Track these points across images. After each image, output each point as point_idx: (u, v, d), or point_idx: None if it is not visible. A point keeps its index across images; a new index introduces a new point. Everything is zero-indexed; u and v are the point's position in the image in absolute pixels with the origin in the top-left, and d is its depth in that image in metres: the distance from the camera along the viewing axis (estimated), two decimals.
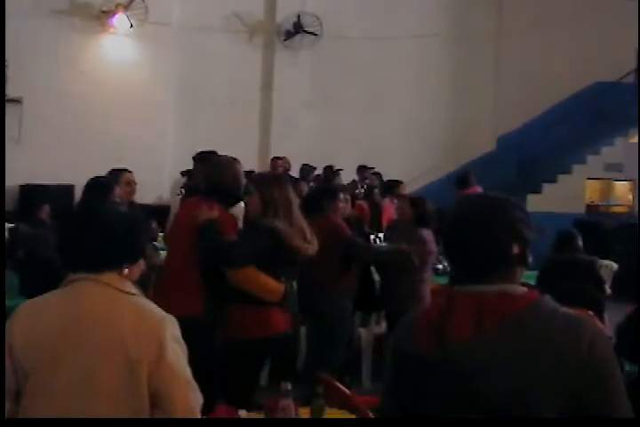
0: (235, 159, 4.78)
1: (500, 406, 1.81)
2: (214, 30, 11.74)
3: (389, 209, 9.91)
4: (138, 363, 2.41)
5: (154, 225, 6.61)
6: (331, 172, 10.23)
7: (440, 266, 7.64)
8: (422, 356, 1.90)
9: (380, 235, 8.71)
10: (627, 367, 4.08)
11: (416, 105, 12.99)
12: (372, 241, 8.58)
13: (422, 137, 13.01)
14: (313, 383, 3.25)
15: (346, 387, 3.59)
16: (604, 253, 7.83)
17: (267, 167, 10.44)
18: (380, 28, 12.53)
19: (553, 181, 12.25)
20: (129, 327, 2.44)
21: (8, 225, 8.78)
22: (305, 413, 3.11)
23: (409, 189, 10.10)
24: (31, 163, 10.58)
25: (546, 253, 6.29)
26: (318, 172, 10.49)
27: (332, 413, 3.15)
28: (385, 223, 9.37)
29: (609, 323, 4.52)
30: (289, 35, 12.22)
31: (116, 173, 5.91)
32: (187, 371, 2.51)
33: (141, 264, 2.65)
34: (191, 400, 2.48)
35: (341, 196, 5.81)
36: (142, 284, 2.81)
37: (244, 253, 4.12)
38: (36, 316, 2.53)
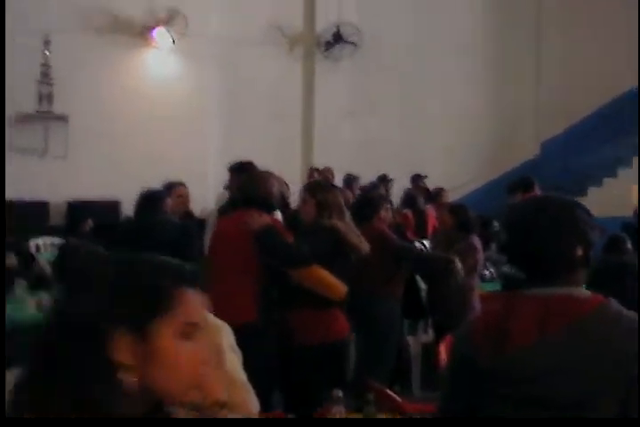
0: (268, 172, 4.85)
1: (565, 409, 1.79)
2: (254, 42, 11.82)
3: (433, 217, 9.89)
4: None
5: None
6: (384, 180, 10.25)
7: (487, 272, 7.59)
8: (483, 360, 1.88)
9: (426, 242, 8.69)
10: None
11: (458, 113, 12.95)
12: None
13: (465, 145, 12.95)
14: (363, 391, 3.24)
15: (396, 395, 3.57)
16: None
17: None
18: (419, 37, 12.52)
19: (599, 185, 12.11)
20: None
21: (56, 240, 8.96)
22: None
23: (452, 197, 10.06)
24: (78, 179, 10.73)
25: (595, 256, 6.20)
26: (362, 180, 10.49)
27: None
28: (430, 231, 9.35)
29: None
30: (329, 45, 12.26)
31: (169, 186, 5.97)
32: (243, 377, 2.52)
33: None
34: (249, 406, 2.49)
35: (384, 204, 5.83)
36: None
37: (307, 252, 4.20)
38: None
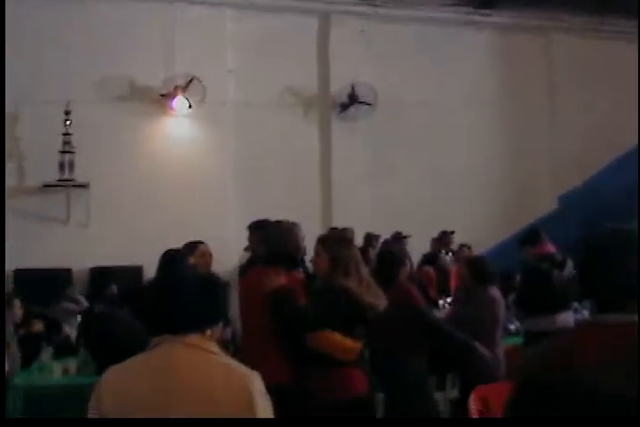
0: (294, 224, 4.83)
1: None
2: (270, 106, 12.00)
3: (455, 273, 9.87)
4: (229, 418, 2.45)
5: None
6: (397, 237, 10.25)
7: (512, 326, 7.52)
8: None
9: (449, 299, 8.65)
10: None
11: (476, 168, 12.99)
12: (440, 306, 8.53)
13: (483, 201, 12.96)
14: None
15: None
16: None
17: None
18: (434, 94, 12.65)
19: None
20: (218, 386, 2.50)
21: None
22: None
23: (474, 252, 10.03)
24: (100, 246, 10.81)
25: None
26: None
27: None
28: (452, 288, 9.32)
29: None
30: (344, 106, 12.39)
31: (191, 246, 5.98)
32: None
33: (221, 325, 2.71)
34: None
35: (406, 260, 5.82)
36: None
37: (318, 316, 4.14)
38: (123, 380, 2.59)
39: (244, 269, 5.79)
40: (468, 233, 11.63)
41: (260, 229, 5.70)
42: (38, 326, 6.55)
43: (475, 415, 4.78)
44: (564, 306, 6.93)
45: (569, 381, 1.96)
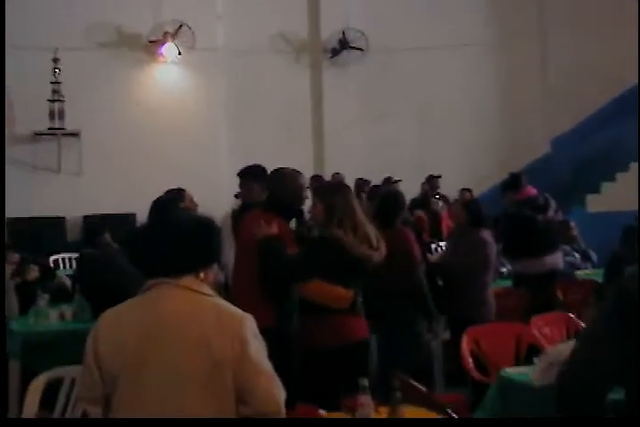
0: (298, 172, 4.80)
1: None
2: (260, 52, 11.92)
3: (447, 218, 9.92)
4: (222, 361, 2.49)
5: None
6: (389, 182, 10.27)
7: (504, 269, 7.61)
8: None
9: (442, 243, 8.72)
10: None
11: (467, 114, 12.95)
12: (432, 250, 8.60)
13: (475, 145, 12.94)
14: (389, 381, 3.26)
15: None
16: None
17: None
18: (425, 39, 12.55)
19: (612, 179, 12.08)
20: (211, 327, 2.52)
21: (74, 255, 9.03)
22: (383, 411, 3.13)
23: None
24: (93, 194, 10.83)
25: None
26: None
27: (410, 410, 3.16)
28: (445, 232, 9.38)
29: None
30: (335, 52, 12.32)
31: (177, 192, 5.98)
32: (269, 365, 2.58)
33: (216, 268, 2.73)
34: (276, 394, 2.54)
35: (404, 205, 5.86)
36: None
37: (307, 267, 4.16)
38: (119, 322, 2.61)
39: (237, 215, 5.80)
40: (460, 177, 11.67)
41: (252, 175, 5.68)
42: (34, 273, 6.58)
43: (467, 356, 4.87)
44: (551, 248, 7.01)
45: None
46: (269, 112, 11.96)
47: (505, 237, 6.92)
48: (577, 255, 8.27)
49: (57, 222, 10.69)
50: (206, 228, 2.71)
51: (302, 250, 4.37)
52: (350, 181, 10.27)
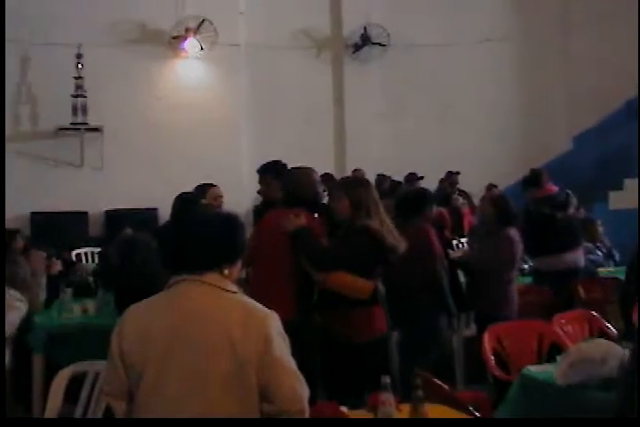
0: (310, 168, 4.85)
1: None
2: (282, 48, 11.92)
3: (469, 214, 9.90)
4: (246, 358, 2.50)
5: None
6: (411, 179, 10.26)
7: (526, 266, 7.57)
8: None
9: (463, 240, 8.70)
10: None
11: (489, 109, 12.91)
12: (454, 247, 8.58)
13: (497, 141, 12.89)
14: (410, 379, 3.26)
15: None
16: None
17: None
18: (447, 35, 12.51)
19: (634, 176, 11.98)
20: (235, 325, 2.53)
21: (96, 250, 9.10)
22: (405, 409, 3.12)
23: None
24: (115, 189, 10.88)
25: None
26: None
27: (432, 408, 3.16)
28: (466, 228, 9.36)
29: None
30: (357, 47, 12.31)
31: (203, 188, 6.00)
32: (292, 363, 2.58)
33: (240, 264, 2.74)
34: (299, 391, 2.55)
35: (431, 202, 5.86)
36: None
37: (336, 257, 4.20)
38: (143, 318, 2.63)
39: (260, 212, 5.82)
40: (481, 174, 11.63)
41: (271, 172, 5.69)
42: (57, 267, 6.63)
43: (489, 353, 4.86)
44: (572, 246, 6.97)
45: None
46: (291, 107, 11.96)
47: (525, 235, 6.90)
48: (600, 253, 8.22)
49: (79, 217, 10.75)
50: (230, 225, 2.72)
51: (336, 240, 4.40)
52: (370, 177, 10.27)
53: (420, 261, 5.17)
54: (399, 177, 10.48)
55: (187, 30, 11.25)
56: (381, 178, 10.46)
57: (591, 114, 12.92)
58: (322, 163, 11.06)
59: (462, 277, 6.27)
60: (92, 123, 10.79)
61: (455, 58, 12.66)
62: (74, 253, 9.32)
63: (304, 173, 4.79)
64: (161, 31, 11.40)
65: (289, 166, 5.28)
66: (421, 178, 10.34)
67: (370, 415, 3.09)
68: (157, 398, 2.54)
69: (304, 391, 2.57)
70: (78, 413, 3.64)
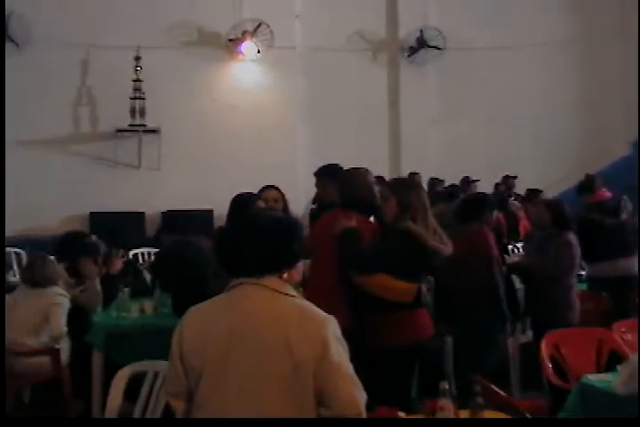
0: (366, 170, 4.84)
1: None
2: (338, 50, 11.96)
3: (524, 218, 9.78)
4: (303, 362, 2.49)
5: None
6: (467, 182, 10.20)
7: (583, 272, 7.46)
8: None
9: (519, 245, 8.61)
10: None
11: (545, 113, 12.77)
12: (509, 251, 8.50)
13: (553, 145, 12.76)
14: (468, 385, 3.24)
15: None
16: None
17: None
18: (503, 38, 12.42)
19: None
20: (293, 328, 2.53)
21: (153, 250, 9.20)
22: (463, 416, 3.10)
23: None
24: (171, 190, 11.02)
25: None
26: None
27: (491, 416, 3.13)
28: (522, 233, 9.25)
29: None
30: (413, 50, 12.29)
31: (261, 190, 5.99)
32: (350, 368, 2.57)
33: (300, 267, 2.74)
34: (357, 397, 2.54)
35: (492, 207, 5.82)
36: None
37: (376, 259, 4.16)
38: (203, 320, 2.65)
39: (316, 215, 5.82)
40: (535, 178, 11.52)
41: (328, 175, 5.69)
42: (118, 266, 6.71)
43: (546, 361, 4.81)
44: (624, 252, 6.83)
45: None
46: (346, 110, 11.97)
47: (578, 240, 6.81)
48: None
49: (137, 217, 10.90)
50: (289, 228, 2.72)
51: (376, 242, 4.38)
52: (424, 180, 10.25)
53: (477, 266, 5.14)
54: (454, 180, 10.42)
55: (244, 33, 11.35)
56: (434, 181, 10.42)
57: None
58: (377, 166, 11.01)
59: (517, 284, 6.21)
60: (150, 124, 10.95)
61: (511, 61, 12.56)
62: (130, 253, 9.42)
63: (358, 174, 4.77)
64: (218, 34, 11.52)
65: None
66: (476, 181, 10.27)
67: None
68: (215, 399, 2.56)
69: (361, 396, 2.56)
70: (137, 412, 3.68)
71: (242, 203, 5.43)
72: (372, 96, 12.21)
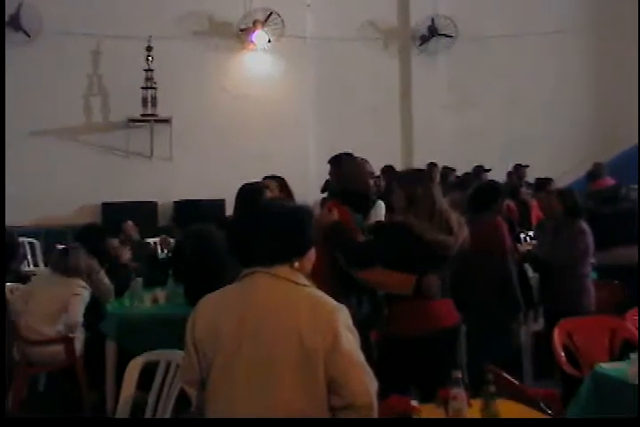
0: (363, 159, 4.81)
1: None
2: (350, 39, 11.93)
3: (536, 207, 9.75)
4: (314, 352, 2.50)
5: None
6: (479, 171, 10.16)
7: (593, 260, 7.42)
8: None
9: (530, 233, 8.58)
10: None
11: (557, 101, 12.72)
12: (521, 240, 8.47)
13: (565, 133, 12.71)
14: (481, 374, 3.24)
15: None
16: None
17: None
18: (515, 26, 12.36)
19: None
20: (304, 317, 2.53)
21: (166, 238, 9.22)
22: (476, 404, 3.10)
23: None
24: (183, 179, 11.05)
25: None
26: (462, 172, 10.44)
27: (503, 404, 3.13)
28: (534, 222, 9.22)
29: None
30: (424, 39, 12.25)
31: (268, 180, 5.99)
32: (361, 357, 2.57)
33: (312, 256, 2.73)
34: (368, 385, 2.54)
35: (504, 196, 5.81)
36: None
37: (371, 253, 4.15)
38: (215, 308, 2.66)
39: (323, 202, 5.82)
40: (547, 167, 11.47)
41: (335, 164, 5.69)
42: (125, 256, 6.74)
43: (559, 349, 4.80)
44: (621, 241, 6.78)
45: None
46: (357, 99, 11.96)
47: None
48: None
49: (149, 207, 10.93)
50: (299, 217, 2.71)
51: (373, 235, 4.37)
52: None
53: (490, 255, 5.13)
54: (466, 169, 10.39)
55: (254, 23, 11.34)
56: (447, 171, 10.40)
57: None
58: (388, 155, 11.08)
59: (530, 272, 6.20)
60: (162, 114, 10.96)
61: (524, 49, 12.51)
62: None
63: (353, 162, 4.77)
64: (229, 24, 11.51)
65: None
66: (488, 170, 10.24)
67: (440, 410, 3.07)
68: (226, 387, 2.57)
69: (372, 385, 2.57)
70: (151, 401, 3.70)
71: (249, 192, 5.42)
72: (384, 85, 12.18)
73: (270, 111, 11.52)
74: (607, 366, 3.95)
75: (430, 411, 3.11)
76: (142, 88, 10.84)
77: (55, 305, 5.64)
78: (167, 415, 3.63)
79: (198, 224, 5.87)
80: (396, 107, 12.39)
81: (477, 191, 5.76)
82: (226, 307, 2.63)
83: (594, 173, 7.64)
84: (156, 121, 10.97)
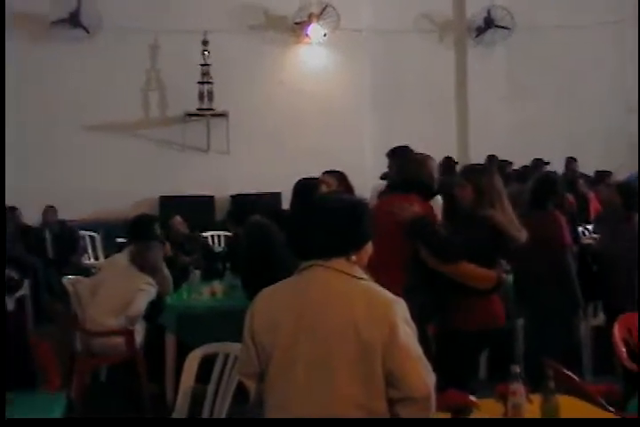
0: (427, 156, 4.82)
1: None
2: (404, 32, 11.86)
3: (595, 200, 9.61)
4: (371, 345, 2.50)
5: None
6: (538, 164, 10.05)
7: None
8: None
9: (589, 226, 8.48)
10: None
11: (615, 92, 12.49)
12: (580, 234, 8.36)
13: (623, 125, 12.49)
14: (540, 369, 3.21)
15: None
16: None
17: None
18: (572, 16, 12.15)
19: None
20: (361, 311, 2.53)
21: (222, 233, 9.31)
22: (535, 400, 3.07)
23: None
24: (240, 173, 11.12)
25: None
26: (518, 165, 10.33)
27: (563, 400, 3.10)
28: (592, 215, 9.10)
29: None
30: (480, 30, 12.13)
31: (327, 175, 5.99)
32: (419, 351, 2.56)
33: (369, 248, 2.73)
34: (426, 378, 2.53)
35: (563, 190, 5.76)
36: None
37: (459, 247, 4.14)
38: (273, 302, 2.67)
39: (381, 197, 5.80)
40: (605, 159, 11.31)
41: (396, 157, 5.67)
42: (167, 250, 6.76)
43: (619, 344, 4.73)
44: None
45: None
46: (413, 92, 11.90)
47: None
48: None
49: (206, 201, 11.03)
50: (356, 210, 2.70)
51: (454, 229, 4.35)
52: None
53: (548, 249, 5.08)
54: (523, 162, 10.28)
55: (310, 16, 11.34)
56: (504, 164, 10.29)
57: None
58: (444, 147, 11.00)
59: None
60: (218, 108, 11.05)
61: (580, 40, 12.31)
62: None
63: (421, 157, 4.77)
64: (284, 17, 11.53)
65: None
66: (548, 163, 10.12)
67: (499, 405, 3.05)
68: (285, 381, 2.58)
69: (430, 378, 2.56)
70: (209, 393, 3.74)
71: (305, 186, 5.44)
72: (440, 78, 12.10)
73: (325, 105, 11.53)
74: None
75: (489, 406, 3.09)
76: (199, 83, 10.93)
77: (120, 298, 5.71)
78: (225, 408, 3.67)
79: (256, 217, 5.90)
80: (452, 99, 12.29)
81: (539, 182, 5.69)
82: (283, 301, 2.65)
83: None
84: (212, 115, 11.07)
